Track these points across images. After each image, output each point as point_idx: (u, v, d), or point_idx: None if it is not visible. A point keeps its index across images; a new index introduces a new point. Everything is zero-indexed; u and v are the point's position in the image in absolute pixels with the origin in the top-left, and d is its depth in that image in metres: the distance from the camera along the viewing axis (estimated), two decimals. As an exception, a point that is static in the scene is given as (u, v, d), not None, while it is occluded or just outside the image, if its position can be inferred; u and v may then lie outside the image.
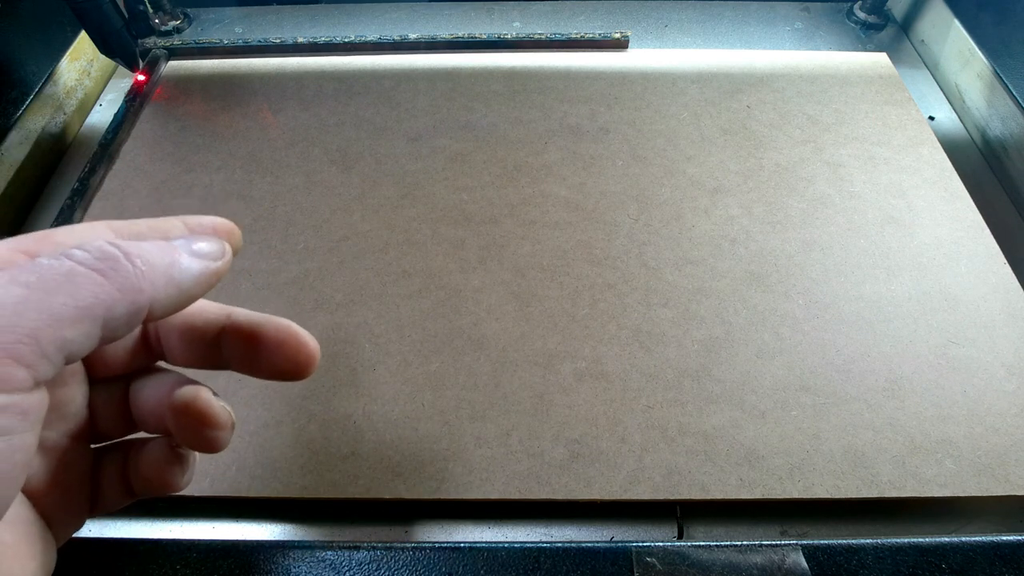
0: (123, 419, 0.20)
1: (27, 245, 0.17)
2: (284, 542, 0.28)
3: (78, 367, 0.19)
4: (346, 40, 0.54)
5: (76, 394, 0.19)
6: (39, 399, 0.15)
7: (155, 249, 0.16)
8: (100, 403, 0.20)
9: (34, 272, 0.14)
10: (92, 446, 0.20)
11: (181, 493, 0.30)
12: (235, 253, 0.20)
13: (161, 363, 0.21)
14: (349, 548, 0.26)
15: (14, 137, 0.45)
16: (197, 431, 0.18)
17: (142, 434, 0.20)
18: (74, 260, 0.15)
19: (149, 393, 0.19)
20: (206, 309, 0.20)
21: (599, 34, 0.55)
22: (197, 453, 0.20)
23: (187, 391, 0.18)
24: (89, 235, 0.18)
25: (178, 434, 0.19)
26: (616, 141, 0.46)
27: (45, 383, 0.15)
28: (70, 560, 0.26)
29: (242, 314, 0.20)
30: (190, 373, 0.21)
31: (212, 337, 0.20)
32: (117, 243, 0.16)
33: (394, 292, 0.38)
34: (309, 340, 0.20)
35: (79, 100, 0.52)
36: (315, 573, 0.25)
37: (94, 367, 0.19)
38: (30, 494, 0.17)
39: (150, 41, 0.54)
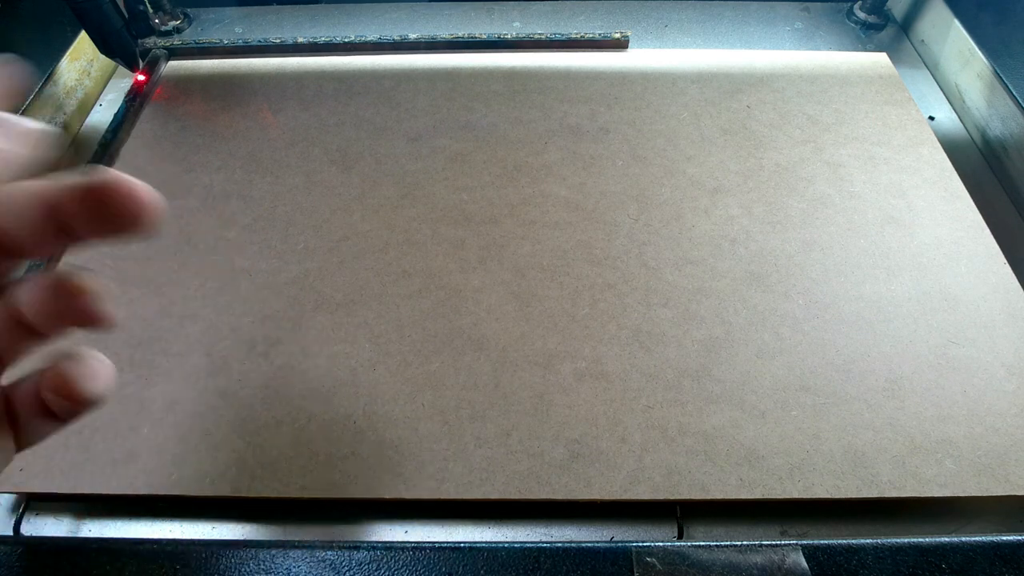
0: (17, 331, 0.17)
1: None
2: (284, 542, 0.28)
3: None
4: (346, 40, 0.54)
5: None
6: None
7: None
8: None
9: None
10: None
11: (181, 493, 0.30)
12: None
13: None
14: (349, 548, 0.26)
15: (14, 137, 0.45)
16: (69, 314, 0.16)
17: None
18: None
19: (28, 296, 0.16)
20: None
21: (599, 34, 0.55)
22: (104, 366, 0.17)
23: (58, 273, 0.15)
24: None
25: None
26: (616, 141, 0.46)
27: None
28: (70, 560, 0.26)
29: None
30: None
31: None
32: None
33: (394, 292, 0.38)
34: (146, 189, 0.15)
35: (79, 100, 0.52)
36: (315, 573, 0.25)
37: None
38: None
39: (150, 41, 0.54)
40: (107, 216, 0.16)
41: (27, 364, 0.17)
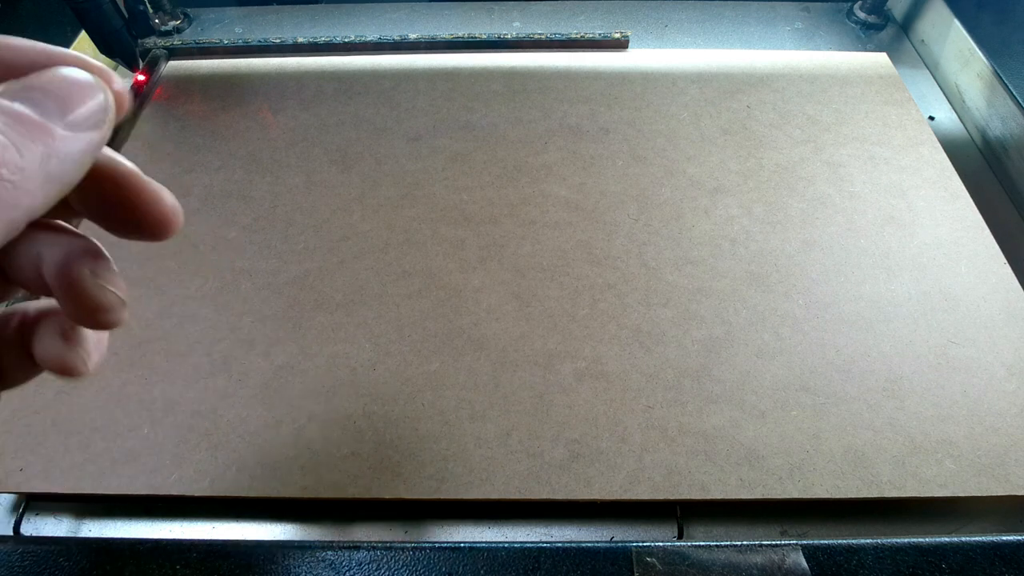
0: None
1: None
2: (284, 542, 0.28)
3: None
4: (346, 40, 0.54)
5: None
6: None
7: (23, 143, 0.12)
8: None
9: None
10: None
11: (181, 493, 0.30)
12: (118, 104, 0.15)
13: None
14: (349, 548, 0.26)
15: (14, 137, 0.45)
16: (85, 313, 0.15)
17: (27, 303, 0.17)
18: None
19: (23, 259, 0.16)
20: None
21: (599, 34, 0.55)
22: (104, 334, 0.17)
23: (68, 271, 0.15)
24: None
25: (65, 310, 0.15)
26: (616, 141, 0.46)
27: None
28: (70, 560, 0.26)
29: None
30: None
31: None
32: None
33: (394, 292, 0.38)
34: (169, 197, 0.16)
35: (79, 100, 0.52)
36: (315, 573, 0.25)
37: None
38: None
39: (150, 41, 0.54)
40: (127, 212, 0.16)
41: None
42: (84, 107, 0.13)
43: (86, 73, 0.14)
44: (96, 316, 0.15)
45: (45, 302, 0.17)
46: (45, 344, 0.16)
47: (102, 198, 0.16)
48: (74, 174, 0.13)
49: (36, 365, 0.16)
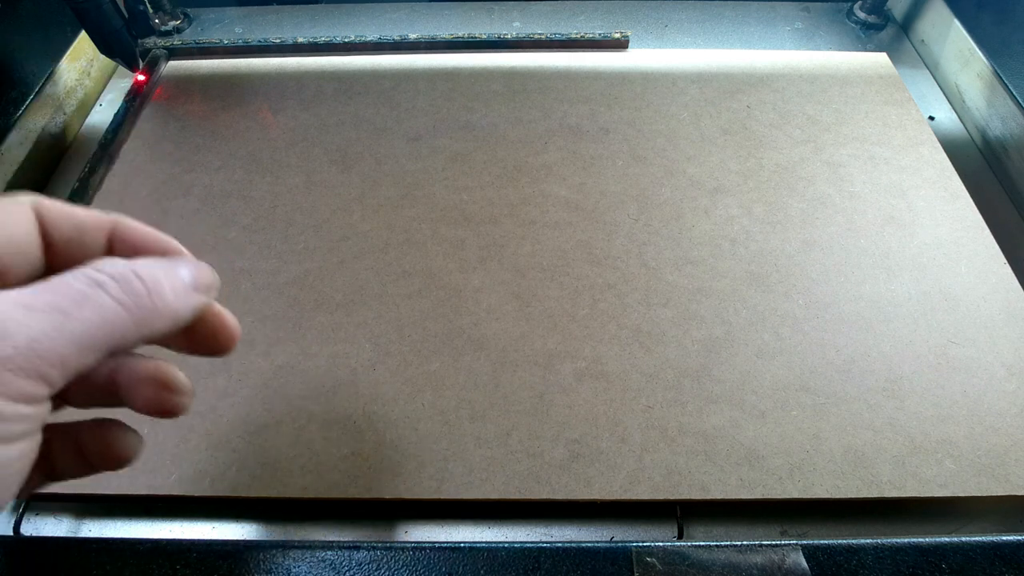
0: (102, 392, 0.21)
1: (44, 209, 0.18)
2: (284, 542, 0.28)
3: None
4: (346, 40, 0.54)
5: None
6: (46, 411, 0.16)
7: (170, 284, 0.18)
8: None
9: (69, 296, 0.16)
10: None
11: (181, 493, 0.30)
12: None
13: None
14: (349, 548, 0.26)
15: (14, 137, 0.45)
16: (161, 398, 0.20)
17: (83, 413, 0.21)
18: (105, 291, 0.16)
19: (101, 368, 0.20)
20: None
21: (599, 34, 0.55)
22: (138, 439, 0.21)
23: (151, 363, 0.20)
24: (92, 256, 0.19)
25: (140, 402, 0.20)
26: (616, 141, 0.46)
27: None
28: (70, 560, 0.26)
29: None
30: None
31: None
32: (139, 272, 0.17)
33: (394, 292, 0.38)
34: (232, 321, 0.22)
35: (79, 100, 0.52)
36: (315, 573, 0.25)
37: None
38: None
39: (150, 41, 0.54)
40: (207, 344, 0.22)
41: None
42: (205, 278, 0.20)
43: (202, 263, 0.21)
44: (174, 398, 0.20)
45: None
46: (102, 440, 0.20)
47: (193, 336, 0.22)
48: (189, 317, 0.19)
49: (88, 468, 0.21)
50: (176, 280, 0.18)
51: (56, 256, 0.19)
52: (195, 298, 0.19)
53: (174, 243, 0.21)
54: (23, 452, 0.16)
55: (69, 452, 0.20)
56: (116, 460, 0.20)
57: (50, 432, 0.20)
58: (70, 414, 0.20)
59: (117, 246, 0.21)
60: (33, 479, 0.20)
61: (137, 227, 0.21)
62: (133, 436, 0.21)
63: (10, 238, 0.18)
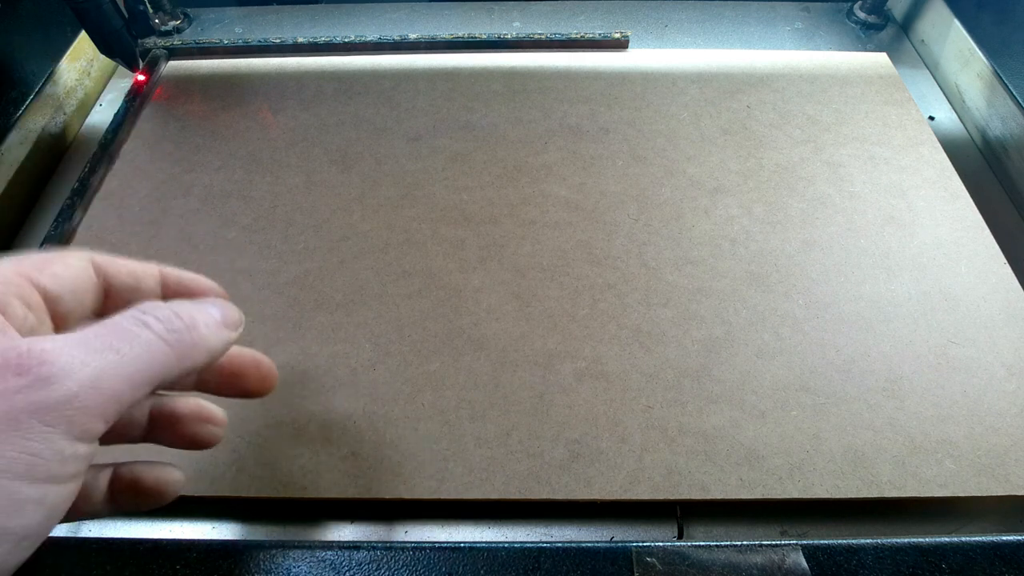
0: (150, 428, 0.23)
1: (29, 271, 0.19)
2: (284, 542, 0.28)
3: None
4: (346, 40, 0.54)
5: None
6: (97, 445, 0.17)
7: (207, 321, 0.20)
8: None
9: (120, 335, 0.17)
10: None
11: (181, 493, 0.30)
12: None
13: None
14: (349, 548, 0.26)
15: (14, 137, 0.45)
16: (203, 431, 0.22)
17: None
18: (151, 329, 0.18)
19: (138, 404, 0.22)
20: None
21: (599, 34, 0.55)
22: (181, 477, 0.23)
23: (191, 400, 0.22)
24: (148, 299, 0.22)
25: (180, 437, 0.22)
26: (616, 141, 0.46)
27: None
28: (71, 560, 0.26)
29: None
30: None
31: None
32: (178, 312, 0.19)
33: (394, 292, 0.38)
34: (268, 363, 0.25)
35: (79, 100, 0.52)
36: (315, 573, 0.25)
37: None
38: None
39: (150, 41, 0.54)
40: (242, 386, 0.25)
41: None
42: (233, 315, 0.22)
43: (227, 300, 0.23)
44: (210, 429, 0.23)
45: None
46: (148, 475, 0.23)
47: (223, 377, 0.25)
48: (222, 352, 0.21)
49: (112, 507, 0.22)
50: (209, 318, 0.20)
51: (114, 305, 0.22)
52: (226, 333, 0.21)
53: (209, 282, 0.24)
54: (72, 493, 0.16)
55: (97, 491, 0.21)
56: (161, 496, 0.23)
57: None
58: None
59: (164, 291, 0.23)
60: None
61: (176, 272, 0.24)
62: (176, 473, 0.23)
63: (74, 286, 0.20)
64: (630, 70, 0.52)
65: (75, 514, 0.20)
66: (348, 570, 0.25)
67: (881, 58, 0.53)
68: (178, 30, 0.58)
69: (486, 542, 0.30)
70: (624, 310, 0.37)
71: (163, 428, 0.22)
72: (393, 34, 0.55)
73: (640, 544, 0.26)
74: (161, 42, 0.55)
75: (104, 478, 0.21)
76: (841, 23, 0.60)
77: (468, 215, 0.42)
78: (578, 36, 0.55)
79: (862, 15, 0.59)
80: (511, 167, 0.45)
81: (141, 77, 0.51)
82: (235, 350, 0.24)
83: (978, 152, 0.49)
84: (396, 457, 0.31)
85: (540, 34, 0.55)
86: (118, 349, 0.16)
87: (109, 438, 0.20)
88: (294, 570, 0.26)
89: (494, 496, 0.30)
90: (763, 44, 0.57)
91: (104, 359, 0.16)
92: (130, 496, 0.22)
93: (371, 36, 0.55)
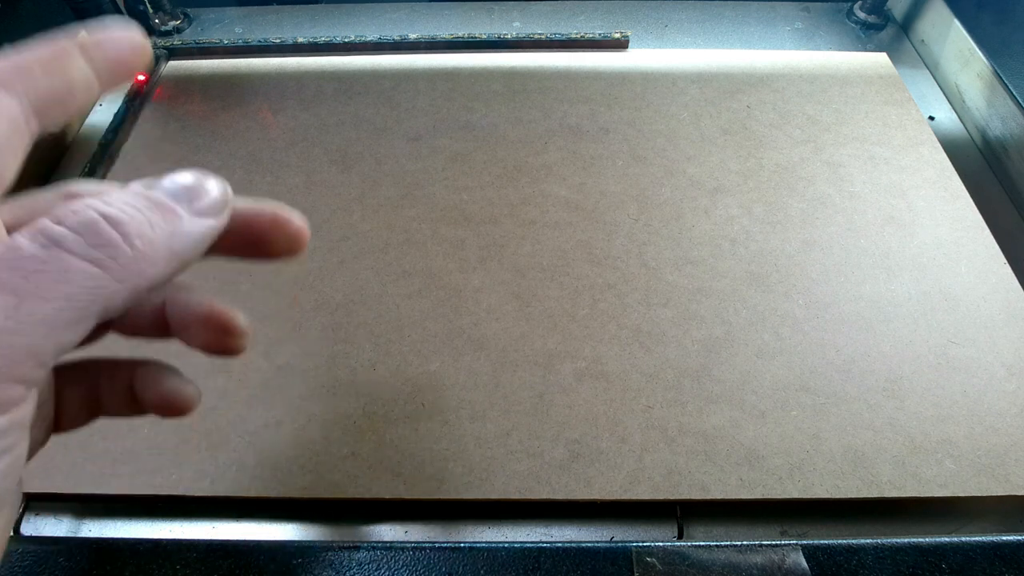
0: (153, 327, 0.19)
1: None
2: (284, 542, 0.28)
3: None
4: (346, 40, 0.54)
5: None
6: (32, 403, 0.13)
7: (154, 219, 0.14)
8: None
9: (20, 270, 0.12)
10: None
11: (181, 493, 0.30)
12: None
13: None
14: (349, 548, 0.26)
15: (14, 137, 0.45)
16: (219, 341, 0.18)
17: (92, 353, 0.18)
18: (65, 250, 0.12)
19: (140, 308, 0.19)
20: None
21: (599, 34, 0.55)
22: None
23: (204, 303, 0.19)
24: (66, 204, 0.14)
25: (196, 343, 0.18)
26: (616, 141, 0.46)
27: None
28: (70, 560, 0.26)
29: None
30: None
31: None
32: (110, 214, 0.13)
33: (394, 292, 0.38)
34: (295, 221, 0.19)
35: (79, 100, 0.52)
36: (315, 573, 0.25)
37: None
38: None
39: (150, 41, 0.54)
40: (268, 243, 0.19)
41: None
42: (208, 198, 0.16)
43: (209, 173, 0.16)
44: (232, 342, 0.18)
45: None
46: (160, 386, 0.19)
47: (241, 240, 0.19)
48: (195, 252, 0.15)
49: (94, 412, 0.19)
50: (163, 208, 0.14)
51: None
52: (197, 224, 0.15)
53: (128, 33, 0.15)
54: (4, 471, 0.13)
55: (119, 390, 0.18)
56: (174, 409, 0.18)
57: (95, 368, 0.18)
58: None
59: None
60: (80, 416, 0.18)
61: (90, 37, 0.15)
62: (191, 387, 0.19)
63: None
64: (630, 70, 0.52)
65: (86, 416, 0.18)
66: (348, 570, 0.25)
67: (881, 58, 0.53)
68: (178, 30, 0.58)
69: (486, 542, 0.30)
70: (624, 310, 0.37)
71: (173, 329, 0.19)
72: (393, 34, 0.55)
73: (640, 544, 0.26)
74: (161, 42, 0.55)
75: (110, 377, 0.18)
76: (841, 23, 0.60)
77: (468, 215, 0.42)
78: (578, 36, 0.55)
79: (862, 15, 0.59)
80: (511, 167, 0.45)
81: (141, 77, 0.51)
82: (249, 209, 0.18)
83: (978, 152, 0.49)
84: (396, 457, 0.31)
85: (540, 34, 0.55)
86: (17, 290, 0.12)
87: (126, 330, 0.18)
88: (294, 570, 0.26)
89: (494, 496, 0.30)
90: (763, 44, 0.57)
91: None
92: (131, 399, 0.18)
93: (371, 36, 0.55)
